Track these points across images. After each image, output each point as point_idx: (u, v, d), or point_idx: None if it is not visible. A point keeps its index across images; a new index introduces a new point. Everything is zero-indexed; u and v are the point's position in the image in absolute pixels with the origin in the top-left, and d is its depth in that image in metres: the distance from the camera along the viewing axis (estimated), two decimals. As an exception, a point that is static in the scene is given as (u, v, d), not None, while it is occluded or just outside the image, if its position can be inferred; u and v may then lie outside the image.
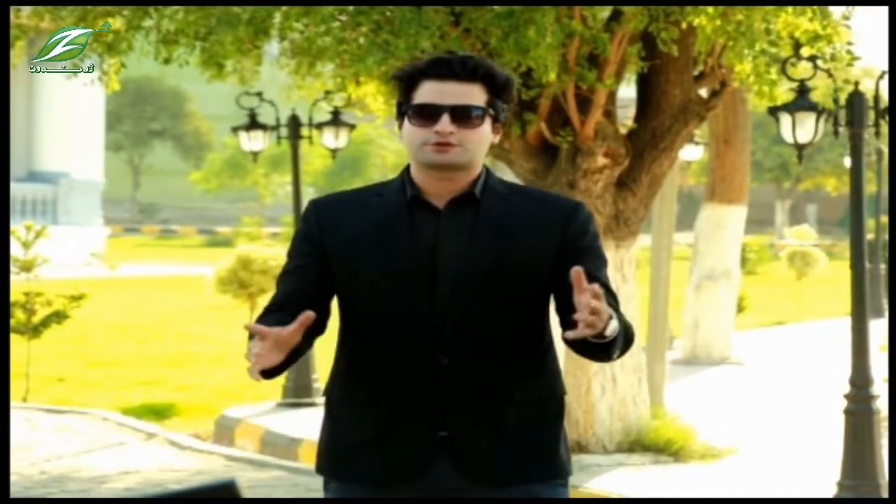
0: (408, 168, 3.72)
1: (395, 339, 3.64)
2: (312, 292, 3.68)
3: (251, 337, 3.51)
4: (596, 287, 3.38)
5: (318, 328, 3.65)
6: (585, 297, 3.37)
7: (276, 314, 3.62)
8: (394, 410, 3.66)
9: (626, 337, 3.56)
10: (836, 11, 9.07)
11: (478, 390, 3.65)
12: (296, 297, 3.67)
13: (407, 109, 3.65)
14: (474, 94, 3.63)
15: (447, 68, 3.63)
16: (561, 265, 3.64)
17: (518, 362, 3.68)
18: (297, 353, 3.56)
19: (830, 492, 8.43)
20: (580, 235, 3.69)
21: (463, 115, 3.61)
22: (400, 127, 3.70)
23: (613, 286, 3.73)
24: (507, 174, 9.63)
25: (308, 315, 3.46)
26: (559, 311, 3.70)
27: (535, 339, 3.71)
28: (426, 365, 3.63)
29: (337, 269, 3.69)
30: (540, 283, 3.67)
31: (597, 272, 3.65)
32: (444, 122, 3.60)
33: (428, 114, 3.61)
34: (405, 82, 3.67)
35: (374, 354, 3.68)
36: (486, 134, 3.65)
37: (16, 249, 13.45)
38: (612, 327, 3.46)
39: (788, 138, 8.83)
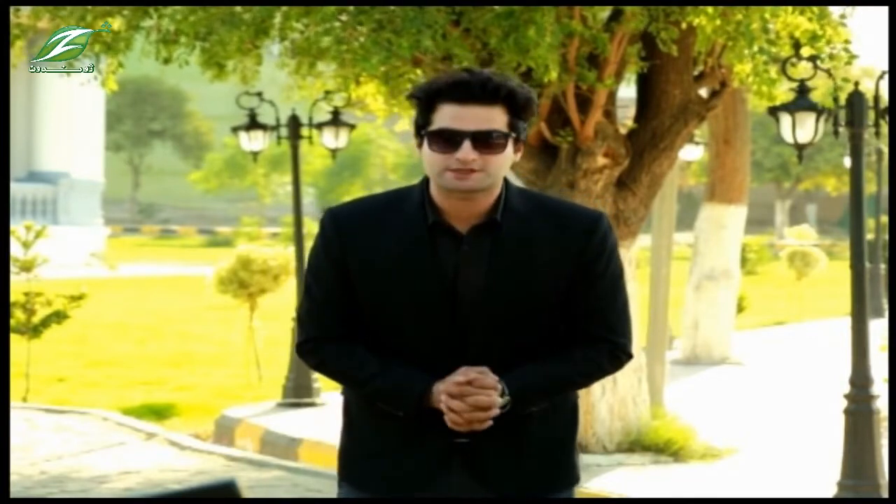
0: (426, 182, 3.64)
1: (415, 356, 3.63)
2: (351, 315, 3.68)
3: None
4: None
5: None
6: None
7: (350, 346, 3.69)
8: (413, 423, 3.65)
9: (580, 375, 3.71)
10: (836, 11, 9.06)
11: None
12: (348, 323, 3.68)
13: (426, 133, 3.56)
14: (495, 118, 3.53)
15: (467, 90, 3.52)
16: (572, 287, 3.64)
17: None
18: None
19: (830, 492, 8.43)
20: (596, 257, 3.64)
21: (485, 141, 3.52)
22: (419, 146, 3.61)
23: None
24: (506, 175, 9.62)
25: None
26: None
27: (554, 350, 3.70)
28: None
29: (357, 287, 3.65)
30: (557, 304, 3.65)
31: (603, 298, 3.67)
32: (466, 150, 3.51)
33: (448, 139, 3.52)
34: (423, 102, 3.57)
35: None
36: (508, 157, 3.58)
37: (16, 249, 13.44)
38: (501, 401, 3.58)
39: (788, 138, 8.83)
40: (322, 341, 3.70)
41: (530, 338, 3.63)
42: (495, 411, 3.56)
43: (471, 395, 3.55)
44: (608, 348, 3.68)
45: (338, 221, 3.67)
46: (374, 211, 3.68)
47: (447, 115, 3.52)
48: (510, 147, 3.57)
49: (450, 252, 3.61)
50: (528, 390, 3.60)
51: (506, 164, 3.59)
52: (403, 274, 3.60)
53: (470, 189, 3.55)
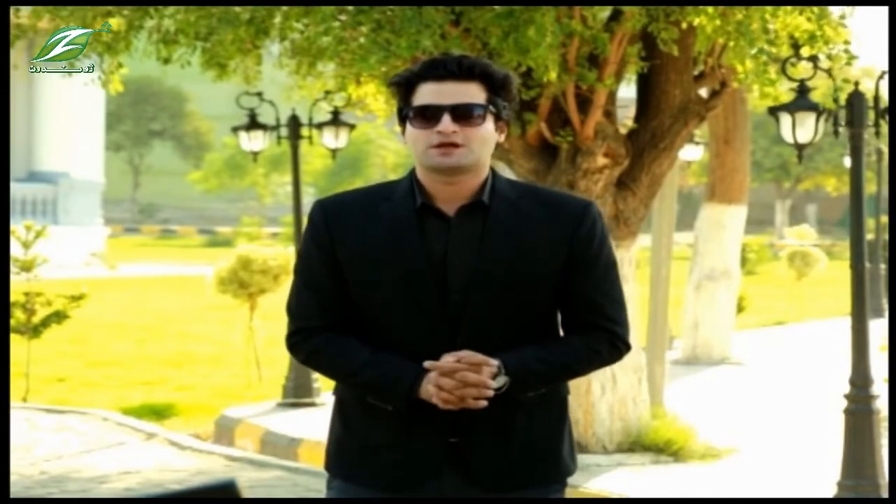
0: (414, 171, 3.68)
1: (406, 345, 3.63)
2: (340, 305, 3.69)
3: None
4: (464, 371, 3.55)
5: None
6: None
7: (339, 337, 3.68)
8: (405, 415, 3.64)
9: (568, 369, 3.69)
10: (836, 11, 9.06)
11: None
12: (336, 315, 3.68)
13: (408, 112, 3.62)
14: (473, 93, 3.60)
15: (444, 68, 3.60)
16: (567, 275, 3.66)
17: None
18: None
19: (830, 492, 8.43)
20: (588, 243, 3.67)
21: (464, 114, 3.58)
22: (403, 132, 3.66)
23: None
24: (507, 174, 9.63)
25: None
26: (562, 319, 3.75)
27: (545, 340, 3.71)
28: None
29: (347, 275, 3.67)
30: (550, 288, 3.66)
31: (598, 286, 3.69)
32: (446, 122, 3.56)
33: (429, 115, 3.58)
34: (403, 87, 3.64)
35: None
36: (489, 132, 3.62)
37: (16, 249, 13.44)
38: (499, 382, 3.57)
39: (788, 138, 8.83)
40: (311, 332, 3.70)
41: (521, 325, 3.63)
42: (489, 392, 3.55)
43: (460, 371, 3.55)
44: (607, 337, 3.70)
45: (326, 211, 3.70)
46: (362, 200, 3.72)
47: (427, 93, 3.60)
48: (490, 123, 3.62)
49: (438, 234, 3.63)
50: (527, 372, 3.60)
51: (488, 141, 3.62)
52: (392, 257, 3.61)
53: (454, 165, 3.58)
